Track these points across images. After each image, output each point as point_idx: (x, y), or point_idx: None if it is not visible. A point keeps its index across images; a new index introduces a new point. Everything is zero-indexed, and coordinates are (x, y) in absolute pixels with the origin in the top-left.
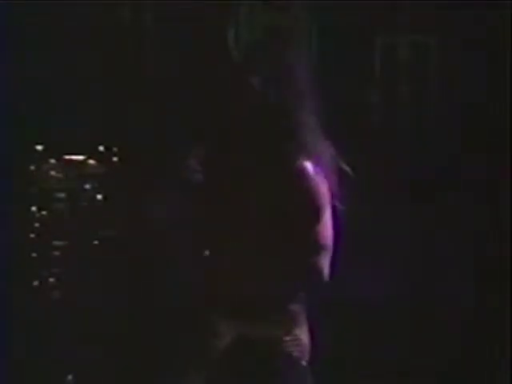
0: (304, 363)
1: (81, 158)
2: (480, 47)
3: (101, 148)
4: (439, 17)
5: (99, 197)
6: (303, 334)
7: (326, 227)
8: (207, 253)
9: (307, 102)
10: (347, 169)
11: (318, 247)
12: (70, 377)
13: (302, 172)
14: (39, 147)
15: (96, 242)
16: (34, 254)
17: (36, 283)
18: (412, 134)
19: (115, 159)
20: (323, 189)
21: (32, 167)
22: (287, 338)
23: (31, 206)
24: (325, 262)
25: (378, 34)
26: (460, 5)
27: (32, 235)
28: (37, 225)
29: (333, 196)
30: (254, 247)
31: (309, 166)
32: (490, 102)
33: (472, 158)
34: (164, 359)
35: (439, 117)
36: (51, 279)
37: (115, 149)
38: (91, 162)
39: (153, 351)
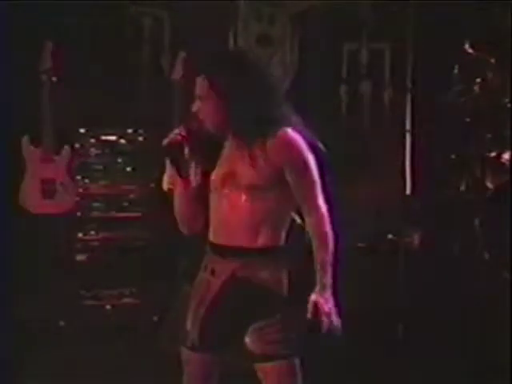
0: (284, 294)
1: (114, 138)
2: None
3: (129, 130)
4: None
5: (128, 169)
6: (284, 274)
7: (317, 182)
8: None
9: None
10: (319, 143)
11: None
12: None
13: (293, 140)
14: (82, 130)
15: (125, 204)
16: (78, 213)
17: (80, 235)
18: None
19: (140, 139)
20: (308, 153)
21: (77, 145)
22: (271, 277)
23: (76, 175)
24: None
25: None
26: None
27: (76, 198)
28: (80, 190)
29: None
30: (247, 201)
31: (297, 135)
32: None
33: None
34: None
35: None
36: (92, 232)
37: (141, 131)
38: (122, 141)
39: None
